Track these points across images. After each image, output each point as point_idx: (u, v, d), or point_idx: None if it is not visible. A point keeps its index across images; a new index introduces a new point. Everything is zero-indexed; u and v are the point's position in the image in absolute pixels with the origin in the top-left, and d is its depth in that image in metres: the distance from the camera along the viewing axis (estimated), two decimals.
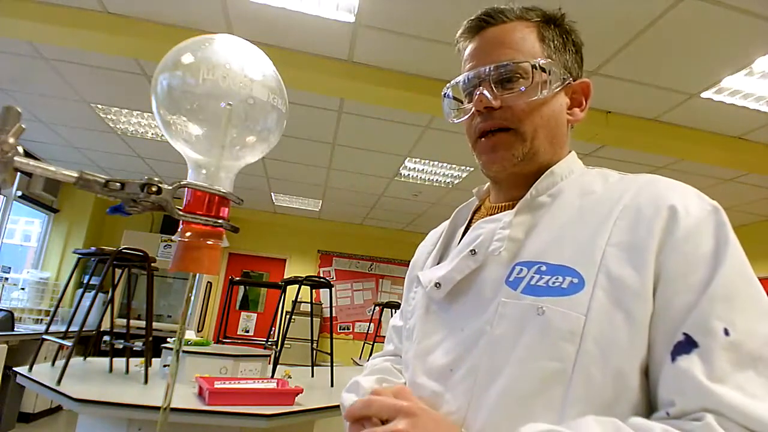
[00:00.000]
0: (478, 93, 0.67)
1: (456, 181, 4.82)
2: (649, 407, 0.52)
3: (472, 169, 4.40)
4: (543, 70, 0.66)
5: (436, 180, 4.86)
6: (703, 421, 0.45)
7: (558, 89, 0.68)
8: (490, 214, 0.72)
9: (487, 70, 0.67)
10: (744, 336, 0.48)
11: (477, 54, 0.70)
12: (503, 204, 0.71)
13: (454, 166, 4.41)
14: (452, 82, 0.73)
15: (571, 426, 0.49)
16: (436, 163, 4.40)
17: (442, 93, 0.77)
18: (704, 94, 2.77)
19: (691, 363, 0.48)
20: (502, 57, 0.67)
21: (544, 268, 0.58)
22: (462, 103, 0.73)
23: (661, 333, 0.51)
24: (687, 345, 0.49)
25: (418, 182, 4.97)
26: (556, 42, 0.70)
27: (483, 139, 0.69)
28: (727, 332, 0.48)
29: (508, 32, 0.69)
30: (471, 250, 0.66)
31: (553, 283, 0.56)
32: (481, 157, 0.70)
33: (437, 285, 0.67)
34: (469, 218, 0.78)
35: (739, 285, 0.51)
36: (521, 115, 0.66)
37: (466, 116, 0.71)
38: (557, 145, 0.69)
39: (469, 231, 0.72)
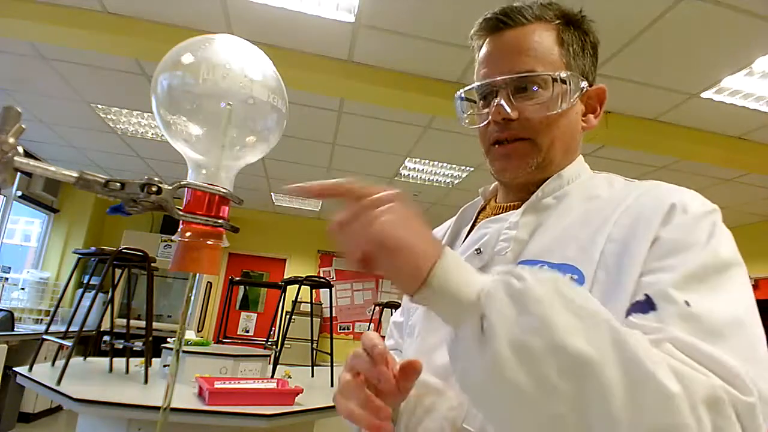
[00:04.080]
0: (495, 102, 0.65)
1: (456, 181, 4.82)
2: None
3: (472, 169, 4.40)
4: (563, 82, 0.65)
5: (436, 180, 4.86)
6: (663, 346, 0.45)
7: (576, 99, 0.66)
8: (495, 214, 0.72)
9: (506, 79, 0.65)
10: (704, 312, 0.47)
11: (494, 59, 0.67)
12: (509, 204, 0.71)
13: (454, 166, 4.41)
14: (467, 87, 0.71)
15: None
16: (436, 163, 4.40)
17: (456, 96, 0.74)
18: (704, 94, 2.77)
19: (645, 323, 0.47)
20: (521, 66, 0.65)
21: (546, 267, 0.58)
22: (475, 102, 0.72)
23: (627, 294, 0.51)
24: (645, 305, 0.49)
25: (418, 182, 4.97)
26: (575, 46, 0.68)
27: (498, 146, 0.67)
28: (688, 304, 0.47)
29: (527, 36, 0.66)
30: (476, 249, 0.66)
31: None
32: (494, 163, 0.69)
33: None
34: (474, 218, 0.78)
35: (716, 273, 0.50)
36: (539, 127, 0.65)
37: (482, 123, 0.69)
38: (570, 153, 0.69)
39: (474, 230, 0.72)
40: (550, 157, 0.66)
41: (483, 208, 0.79)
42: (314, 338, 3.51)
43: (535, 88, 0.64)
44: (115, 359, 2.47)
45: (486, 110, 0.67)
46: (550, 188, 0.66)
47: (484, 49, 0.70)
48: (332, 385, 2.71)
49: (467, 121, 0.73)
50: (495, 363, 0.41)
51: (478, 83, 0.68)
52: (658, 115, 3.09)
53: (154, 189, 0.53)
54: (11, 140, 0.45)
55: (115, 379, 2.26)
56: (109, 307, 2.63)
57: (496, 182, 0.78)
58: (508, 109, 0.64)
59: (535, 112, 0.64)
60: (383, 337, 0.91)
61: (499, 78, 0.65)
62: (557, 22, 0.68)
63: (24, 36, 2.68)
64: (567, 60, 0.67)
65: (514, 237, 0.63)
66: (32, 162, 0.47)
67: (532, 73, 0.64)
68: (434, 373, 0.63)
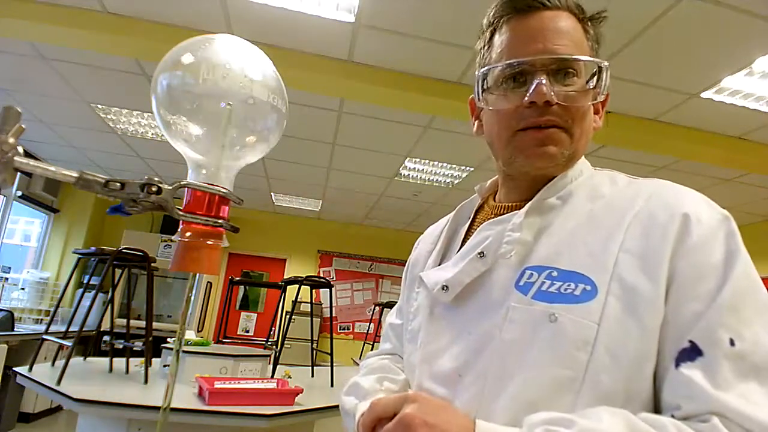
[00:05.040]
0: (536, 83, 0.60)
1: (456, 181, 4.82)
2: (657, 412, 0.52)
3: (472, 169, 4.40)
4: (602, 72, 0.63)
5: (436, 180, 4.86)
6: (710, 423, 0.45)
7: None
8: (496, 214, 0.70)
9: (552, 58, 0.61)
10: (749, 347, 0.48)
11: (527, 38, 0.63)
12: (510, 204, 0.69)
13: (454, 166, 4.41)
14: (500, 65, 0.64)
15: (580, 414, 0.49)
16: (436, 163, 4.39)
17: (478, 72, 0.67)
18: (704, 94, 2.77)
19: (695, 370, 0.48)
20: (563, 49, 0.61)
21: (555, 273, 0.57)
22: (486, 82, 0.66)
23: (668, 339, 0.51)
24: (692, 352, 0.49)
25: (418, 182, 4.97)
26: (596, 44, 0.67)
27: (531, 130, 0.62)
28: (732, 342, 0.48)
29: (562, 20, 0.63)
30: (479, 253, 0.64)
31: (565, 289, 0.56)
32: (523, 150, 0.63)
33: (444, 288, 0.65)
34: (471, 217, 0.76)
35: (748, 295, 0.51)
36: (576, 116, 0.63)
37: (514, 105, 0.63)
38: (585, 150, 0.68)
39: (475, 232, 0.69)
40: (575, 149, 0.65)
41: (481, 207, 0.77)
42: (314, 338, 3.51)
43: (571, 74, 0.62)
44: (115, 359, 2.47)
45: (512, 93, 0.63)
46: (555, 188, 0.65)
47: (510, 30, 0.65)
48: (332, 385, 2.71)
49: (484, 102, 0.67)
50: None
51: (520, 59, 0.62)
52: (658, 115, 3.09)
53: (154, 189, 0.53)
54: (11, 140, 0.45)
55: (115, 379, 2.25)
56: (109, 307, 2.63)
57: (495, 178, 0.76)
58: (552, 93, 0.60)
59: (577, 99, 0.62)
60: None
61: (547, 57, 0.61)
62: (582, 16, 0.66)
63: (24, 36, 2.68)
64: (592, 55, 0.65)
65: (518, 239, 0.62)
66: (32, 162, 0.47)
67: (579, 57, 0.62)
68: (439, 380, 0.62)
